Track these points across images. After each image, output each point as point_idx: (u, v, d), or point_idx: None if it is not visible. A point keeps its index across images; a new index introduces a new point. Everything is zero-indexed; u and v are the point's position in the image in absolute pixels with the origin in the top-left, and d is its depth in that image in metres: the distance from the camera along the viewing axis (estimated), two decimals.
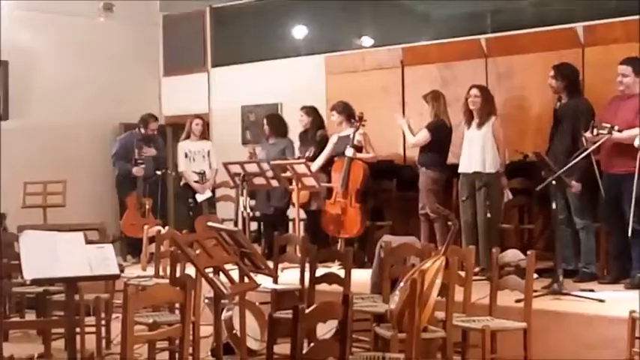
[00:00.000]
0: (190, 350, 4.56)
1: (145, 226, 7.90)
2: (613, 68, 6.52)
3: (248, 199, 8.16)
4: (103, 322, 6.09)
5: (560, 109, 6.98)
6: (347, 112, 8.37)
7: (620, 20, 7.60)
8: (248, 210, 8.04)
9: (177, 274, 5.73)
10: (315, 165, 8.31)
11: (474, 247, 5.66)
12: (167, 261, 6.20)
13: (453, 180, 7.68)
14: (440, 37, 8.92)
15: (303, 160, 8.27)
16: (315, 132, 8.66)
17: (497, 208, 7.17)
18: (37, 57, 10.11)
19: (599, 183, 6.25)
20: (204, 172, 9.12)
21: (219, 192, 9.68)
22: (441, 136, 7.74)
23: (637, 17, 7.33)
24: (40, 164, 9.71)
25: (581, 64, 7.65)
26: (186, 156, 9.33)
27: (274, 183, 8.14)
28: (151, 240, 7.02)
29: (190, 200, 9.15)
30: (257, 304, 6.11)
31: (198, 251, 4.90)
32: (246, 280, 4.93)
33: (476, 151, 7.17)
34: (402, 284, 4.50)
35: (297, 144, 8.91)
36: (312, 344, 3.23)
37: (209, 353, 5.41)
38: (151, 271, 6.76)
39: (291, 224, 8.77)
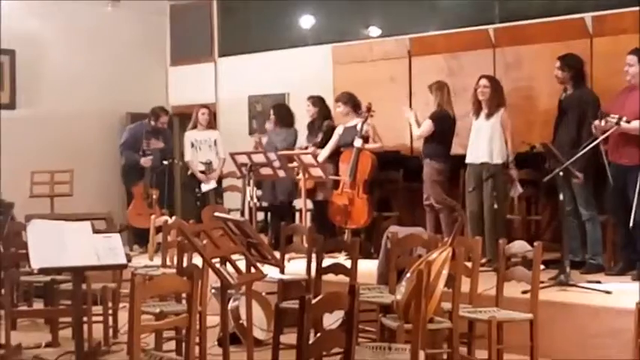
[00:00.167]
0: (197, 340, 4.56)
1: (152, 216, 7.91)
2: (622, 59, 6.50)
3: (255, 189, 8.18)
4: (110, 311, 6.12)
5: (565, 99, 6.96)
6: (352, 102, 8.36)
7: (630, 10, 7.54)
8: (255, 200, 8.05)
9: (184, 264, 5.73)
10: (322, 156, 8.30)
11: (481, 238, 5.65)
12: (174, 251, 6.21)
13: (460, 171, 7.66)
14: (447, 27, 8.89)
15: (310, 151, 8.27)
16: (322, 122, 8.65)
17: (504, 199, 7.16)
18: (44, 47, 10.12)
19: (608, 173, 6.23)
20: (211, 162, 9.12)
21: (225, 182, 9.69)
22: (444, 127, 7.72)
23: None
24: (47, 153, 9.73)
25: (590, 54, 7.62)
26: (192, 145, 9.34)
27: (281, 173, 8.14)
28: (158, 230, 7.03)
29: (197, 190, 9.16)
30: (263, 294, 6.13)
31: (205, 241, 4.91)
32: (252, 270, 4.94)
33: (483, 142, 7.15)
34: (408, 275, 4.50)
35: (305, 134, 8.90)
36: (318, 334, 3.24)
37: (216, 343, 5.43)
38: (158, 260, 6.78)
39: (297, 214, 8.78)
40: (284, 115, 9.05)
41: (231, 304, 5.72)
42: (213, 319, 5.20)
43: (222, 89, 10.90)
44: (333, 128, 8.51)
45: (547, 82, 7.60)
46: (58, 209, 9.17)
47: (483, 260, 6.41)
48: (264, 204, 8.93)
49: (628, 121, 6.13)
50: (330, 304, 3.31)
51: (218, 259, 4.87)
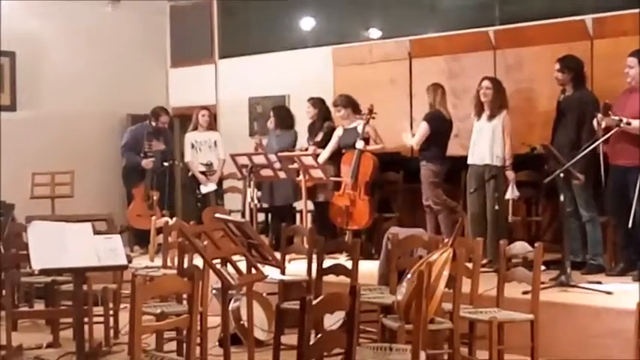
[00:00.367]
0: (198, 341, 4.57)
1: (153, 217, 7.92)
2: (622, 61, 6.50)
3: (255, 190, 8.18)
4: (111, 312, 6.12)
5: (564, 101, 6.97)
6: (351, 104, 8.36)
7: (630, 12, 7.55)
8: (255, 201, 8.05)
9: (185, 265, 5.74)
10: (322, 157, 8.30)
11: (482, 239, 5.65)
12: (175, 252, 6.21)
13: (460, 172, 7.65)
14: (448, 29, 8.89)
15: (311, 152, 8.28)
16: (323, 124, 8.64)
17: (505, 200, 7.16)
18: (44, 48, 10.13)
19: (602, 175, 6.23)
20: (212, 163, 9.12)
21: (226, 183, 9.70)
22: (439, 128, 7.71)
23: None
24: (48, 155, 9.74)
25: (590, 56, 7.62)
26: (192, 146, 9.34)
27: (282, 174, 8.15)
28: (159, 231, 7.04)
29: (198, 192, 9.17)
30: (264, 294, 6.13)
31: (205, 242, 4.91)
32: (253, 271, 4.94)
33: (485, 143, 7.15)
34: (409, 276, 4.50)
35: (305, 136, 8.90)
36: (319, 335, 3.24)
37: (216, 344, 5.43)
38: (158, 261, 6.78)
39: (298, 215, 8.78)
40: (284, 117, 9.05)
41: (232, 305, 5.72)
42: (214, 320, 5.20)
43: (223, 91, 10.91)
44: (333, 129, 8.51)
45: (547, 83, 7.60)
46: (59, 210, 9.16)
47: (484, 261, 6.41)
48: (265, 205, 8.93)
49: (628, 123, 6.14)
50: (331, 305, 3.31)
51: (219, 260, 4.87)
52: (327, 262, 5.39)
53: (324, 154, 8.38)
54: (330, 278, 5.38)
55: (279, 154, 8.32)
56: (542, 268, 5.25)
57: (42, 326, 6.67)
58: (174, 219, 7.76)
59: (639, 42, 6.93)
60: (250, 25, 10.66)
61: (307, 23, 10.23)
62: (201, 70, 11.04)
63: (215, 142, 9.36)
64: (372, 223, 8.07)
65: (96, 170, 10.28)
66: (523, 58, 8.25)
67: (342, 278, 5.30)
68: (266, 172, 8.13)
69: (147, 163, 9.30)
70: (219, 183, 9.45)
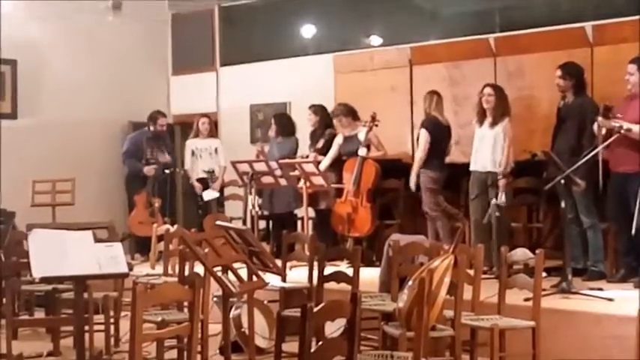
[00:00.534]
0: (199, 348, 4.57)
1: (154, 225, 7.91)
2: (622, 68, 6.51)
3: (256, 197, 8.18)
4: (112, 320, 6.11)
5: (564, 107, 6.97)
6: (351, 112, 8.37)
7: (630, 20, 7.56)
8: (257, 208, 8.05)
9: (186, 273, 5.74)
10: (323, 165, 8.31)
11: (483, 245, 5.65)
12: (176, 259, 6.21)
13: (462, 179, 7.66)
14: (448, 36, 8.91)
15: (312, 159, 8.28)
16: (324, 131, 8.65)
17: (507, 206, 7.16)
18: (45, 56, 10.14)
19: (600, 181, 6.22)
20: (213, 171, 9.12)
21: (227, 191, 9.69)
22: (437, 135, 7.71)
23: None
24: (49, 162, 9.74)
25: (590, 63, 7.63)
26: (193, 154, 9.36)
27: (283, 182, 8.15)
28: (160, 238, 7.04)
29: (199, 199, 9.17)
30: (265, 302, 6.13)
31: (206, 250, 4.91)
32: (254, 278, 4.94)
33: (487, 150, 7.15)
34: (410, 283, 4.50)
35: (307, 143, 8.91)
36: (320, 343, 3.23)
37: (217, 351, 5.42)
38: (159, 269, 6.78)
39: (299, 223, 8.78)
40: (285, 124, 9.06)
41: (233, 313, 5.72)
42: (215, 328, 5.19)
43: (224, 98, 10.92)
44: (334, 136, 8.52)
45: (548, 90, 7.61)
46: (60, 218, 9.17)
47: (485, 268, 6.40)
48: (266, 212, 8.93)
49: (629, 129, 6.14)
50: (332, 312, 3.31)
51: (220, 268, 4.87)
52: (328, 270, 5.40)
53: (325, 161, 8.39)
54: (331, 285, 5.38)
55: (280, 161, 8.33)
56: (544, 274, 5.24)
57: (42, 334, 6.66)
58: (176, 226, 7.76)
59: (639, 49, 6.94)
60: (251, 33, 10.67)
61: (308, 31, 10.25)
62: (202, 77, 11.05)
63: (216, 149, 9.37)
64: (374, 230, 8.07)
65: (97, 178, 10.28)
66: (523, 65, 8.26)
67: (343, 285, 5.30)
68: (267, 180, 8.14)
69: (149, 170, 9.31)
70: (221, 190, 9.45)
